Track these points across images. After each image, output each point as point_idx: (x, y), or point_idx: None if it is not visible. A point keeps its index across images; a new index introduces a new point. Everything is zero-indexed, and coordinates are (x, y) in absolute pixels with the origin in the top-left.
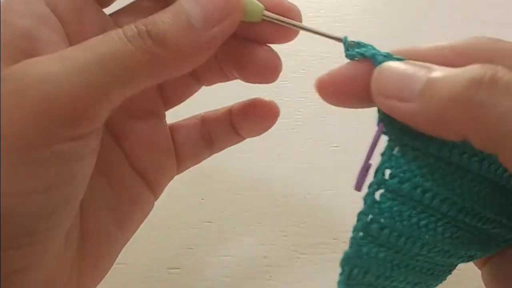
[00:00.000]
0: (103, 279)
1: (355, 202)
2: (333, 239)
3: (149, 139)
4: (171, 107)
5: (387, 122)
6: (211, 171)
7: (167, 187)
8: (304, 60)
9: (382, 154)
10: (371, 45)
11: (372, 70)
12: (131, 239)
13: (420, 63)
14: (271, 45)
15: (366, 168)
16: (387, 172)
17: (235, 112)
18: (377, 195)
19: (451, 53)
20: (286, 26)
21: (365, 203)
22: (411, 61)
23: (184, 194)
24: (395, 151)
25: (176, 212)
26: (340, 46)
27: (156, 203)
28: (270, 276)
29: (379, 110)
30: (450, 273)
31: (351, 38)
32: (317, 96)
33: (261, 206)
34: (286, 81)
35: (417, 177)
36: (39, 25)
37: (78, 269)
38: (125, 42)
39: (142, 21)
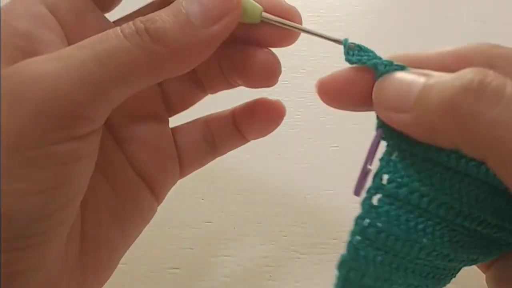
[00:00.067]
0: None
1: (355, 202)
2: (333, 239)
3: (151, 143)
4: (175, 114)
5: (386, 128)
6: (211, 171)
7: None
8: (304, 60)
9: (380, 160)
10: (372, 52)
11: (373, 76)
12: None
13: (421, 70)
14: (272, 49)
15: (365, 173)
16: (385, 177)
17: (239, 113)
18: (375, 200)
19: (452, 60)
20: (285, 27)
21: (362, 207)
22: (412, 70)
23: (184, 194)
24: (393, 157)
25: (176, 212)
26: (341, 47)
27: None
28: (270, 276)
29: (378, 116)
30: (454, 276)
31: (351, 38)
32: (317, 96)
33: (261, 206)
34: (286, 81)
35: (414, 182)
36: (39, 26)
37: (79, 274)
38: (122, 39)
39: (141, 19)
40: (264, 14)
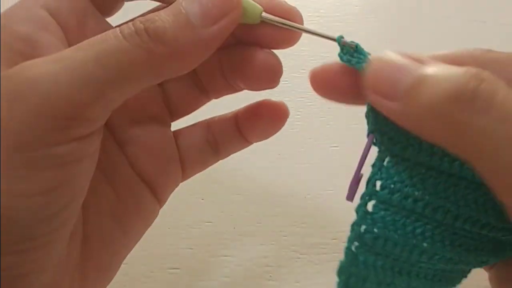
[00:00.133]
0: None
1: (355, 203)
2: (333, 239)
3: (152, 146)
4: (178, 118)
5: (377, 133)
6: (211, 171)
7: None
8: (304, 60)
9: (373, 166)
10: (365, 55)
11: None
12: None
13: (417, 55)
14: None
15: (357, 179)
16: (378, 183)
17: (242, 115)
18: (370, 206)
19: (444, 63)
20: (286, 28)
21: (357, 214)
22: (406, 55)
23: (184, 194)
24: (385, 162)
25: (176, 212)
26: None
27: None
28: (270, 276)
29: (368, 121)
30: (465, 277)
31: (351, 38)
32: (317, 96)
33: (261, 206)
34: (286, 81)
35: (407, 188)
36: (39, 29)
37: (82, 276)
38: (121, 40)
39: (140, 19)
40: (264, 14)
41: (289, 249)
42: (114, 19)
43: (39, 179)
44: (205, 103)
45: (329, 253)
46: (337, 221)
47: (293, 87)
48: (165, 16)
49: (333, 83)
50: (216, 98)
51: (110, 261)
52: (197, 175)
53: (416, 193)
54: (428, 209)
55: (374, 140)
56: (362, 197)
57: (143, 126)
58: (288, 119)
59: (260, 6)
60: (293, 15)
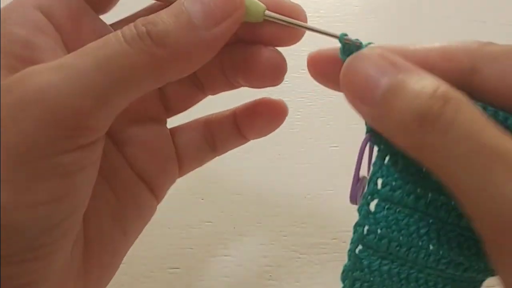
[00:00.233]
0: None
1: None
2: (333, 239)
3: (149, 144)
4: (173, 115)
5: (375, 132)
6: (211, 171)
7: None
8: (304, 60)
9: (374, 164)
10: None
11: None
12: None
13: (393, 58)
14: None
15: (357, 179)
16: (380, 181)
17: (240, 113)
18: (372, 206)
19: (438, 57)
20: (289, 25)
21: (359, 214)
22: (384, 56)
23: (184, 194)
24: (386, 160)
25: (176, 212)
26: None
27: None
28: (270, 276)
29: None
30: None
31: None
32: (317, 96)
33: (261, 206)
34: (286, 81)
35: (409, 184)
36: (36, 33)
37: (84, 279)
38: (122, 44)
39: (142, 21)
40: (267, 12)
41: (289, 249)
42: (108, 17)
43: (44, 189)
44: (201, 100)
45: (329, 253)
46: (337, 221)
47: (293, 87)
48: (167, 18)
49: (328, 69)
50: (212, 94)
51: (111, 260)
52: (197, 175)
53: (419, 190)
54: (431, 207)
55: (373, 139)
56: (364, 196)
57: (139, 125)
58: (288, 119)
59: (263, 4)
60: (296, 13)
